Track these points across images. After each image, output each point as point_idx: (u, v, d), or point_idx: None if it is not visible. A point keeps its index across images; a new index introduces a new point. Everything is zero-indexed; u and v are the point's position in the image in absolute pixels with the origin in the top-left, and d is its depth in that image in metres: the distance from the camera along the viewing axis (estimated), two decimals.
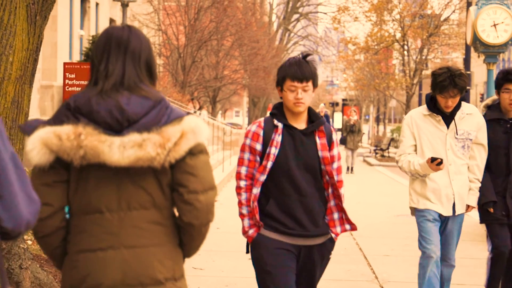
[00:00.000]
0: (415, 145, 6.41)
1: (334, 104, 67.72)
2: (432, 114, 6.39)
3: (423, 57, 33.81)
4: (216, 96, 40.05)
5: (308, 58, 4.84)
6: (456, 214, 6.42)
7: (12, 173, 2.67)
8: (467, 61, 24.44)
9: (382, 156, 34.72)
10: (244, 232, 5.02)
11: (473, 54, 23.95)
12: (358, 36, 37.49)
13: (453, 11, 34.60)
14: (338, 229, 4.95)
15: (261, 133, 4.83)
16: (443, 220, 6.47)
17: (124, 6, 25.91)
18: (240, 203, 4.96)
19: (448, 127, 6.35)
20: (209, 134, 3.33)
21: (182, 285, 3.46)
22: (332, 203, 4.91)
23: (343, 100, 62.19)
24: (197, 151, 3.23)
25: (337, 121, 53.57)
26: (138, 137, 3.09)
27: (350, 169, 25.50)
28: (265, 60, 39.92)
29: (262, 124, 4.88)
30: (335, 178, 4.87)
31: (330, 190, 4.89)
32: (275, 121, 4.83)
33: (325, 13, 60.90)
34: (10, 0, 6.75)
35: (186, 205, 3.21)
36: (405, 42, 33.76)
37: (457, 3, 34.06)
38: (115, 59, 3.22)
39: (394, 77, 37.36)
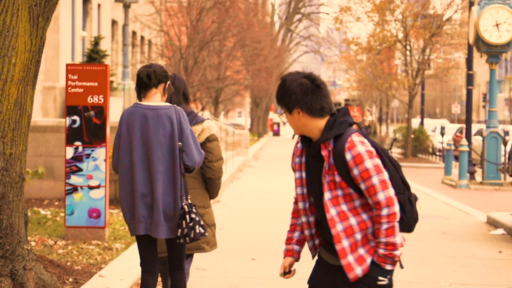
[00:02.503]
0: None
1: (336, 105, 67.66)
2: None
3: (426, 57, 33.74)
4: (219, 97, 40.04)
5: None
6: None
7: (190, 139, 5.64)
8: (469, 61, 24.43)
9: None
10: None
11: (476, 54, 23.92)
12: (360, 36, 37.41)
13: (456, 11, 34.55)
14: (358, 269, 4.17)
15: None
16: None
17: (126, 7, 25.88)
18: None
19: None
20: (217, 130, 6.00)
21: (210, 210, 6.18)
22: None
23: (346, 100, 62.21)
24: (212, 139, 6.15)
25: None
26: None
27: None
28: (267, 60, 39.92)
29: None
30: (369, 200, 4.13)
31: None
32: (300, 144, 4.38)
33: (327, 14, 60.96)
34: (12, 1, 6.75)
35: (207, 168, 6.11)
36: (408, 42, 33.70)
37: (460, 3, 34.02)
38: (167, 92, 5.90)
39: (396, 77, 37.27)
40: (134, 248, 9.73)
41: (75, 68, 10.24)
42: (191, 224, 5.56)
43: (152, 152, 5.57)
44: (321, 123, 4.18)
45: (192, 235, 5.58)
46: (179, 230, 5.57)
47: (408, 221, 4.23)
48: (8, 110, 6.84)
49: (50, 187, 14.31)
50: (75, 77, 10.13)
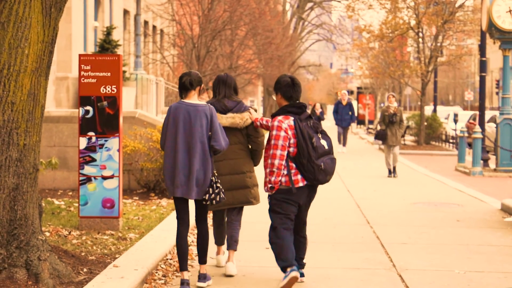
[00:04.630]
0: None
1: (349, 92, 67.45)
2: None
3: (438, 44, 33.58)
4: None
5: None
6: None
7: (219, 130, 7.56)
8: (482, 47, 24.30)
9: None
10: None
11: (489, 41, 23.77)
12: (372, 24, 37.22)
13: None
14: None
15: None
16: None
17: None
18: None
19: None
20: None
21: (254, 174, 8.43)
22: None
23: (358, 88, 62.02)
24: None
25: None
26: (231, 115, 8.20)
27: (392, 171, 19.49)
28: (279, 49, 39.80)
29: None
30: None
31: None
32: None
33: (339, 1, 60.71)
34: None
35: (253, 143, 8.34)
36: (420, 29, 33.54)
37: None
38: (222, 87, 8.34)
39: (409, 64, 37.11)
40: (148, 238, 9.75)
41: (87, 58, 10.26)
42: (216, 191, 7.52)
43: (192, 137, 7.49)
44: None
45: (217, 199, 7.53)
46: (207, 195, 7.49)
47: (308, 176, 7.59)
48: (22, 101, 6.85)
49: (63, 178, 14.36)
50: (88, 67, 10.14)
